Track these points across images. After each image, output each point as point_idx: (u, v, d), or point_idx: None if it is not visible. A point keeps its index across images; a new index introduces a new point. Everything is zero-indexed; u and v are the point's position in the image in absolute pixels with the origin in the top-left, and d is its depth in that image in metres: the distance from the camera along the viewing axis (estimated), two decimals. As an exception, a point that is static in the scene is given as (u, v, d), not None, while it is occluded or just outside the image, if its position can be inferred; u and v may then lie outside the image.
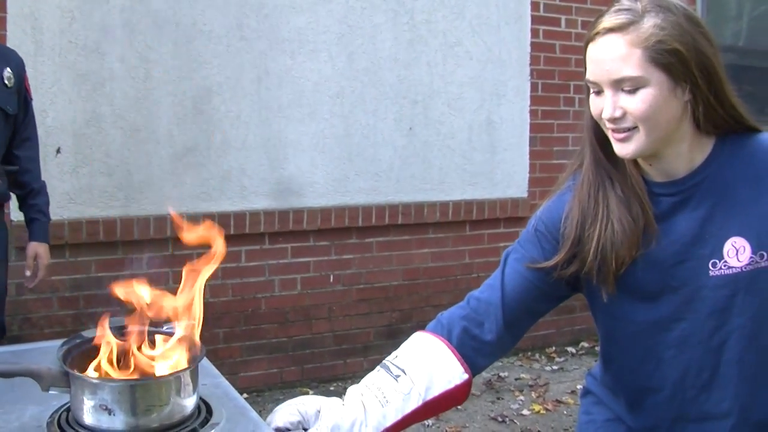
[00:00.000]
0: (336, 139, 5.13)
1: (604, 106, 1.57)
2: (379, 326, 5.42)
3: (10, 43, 4.25)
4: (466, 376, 1.74)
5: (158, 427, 1.53)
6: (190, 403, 1.60)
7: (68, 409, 1.61)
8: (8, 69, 3.38)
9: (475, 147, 5.66)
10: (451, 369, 1.73)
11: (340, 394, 5.04)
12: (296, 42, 5.04)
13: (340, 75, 5.18)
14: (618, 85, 1.55)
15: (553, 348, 6.06)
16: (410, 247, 5.53)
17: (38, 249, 3.56)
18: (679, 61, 1.53)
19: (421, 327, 1.87)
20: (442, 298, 5.45)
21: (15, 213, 4.30)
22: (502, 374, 5.49)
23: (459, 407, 4.88)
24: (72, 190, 4.47)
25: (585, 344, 6.08)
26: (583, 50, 1.64)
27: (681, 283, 1.65)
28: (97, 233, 4.51)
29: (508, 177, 5.82)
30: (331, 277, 5.29)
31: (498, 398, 5.13)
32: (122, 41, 4.55)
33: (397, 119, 5.36)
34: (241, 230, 4.89)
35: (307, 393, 5.05)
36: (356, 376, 5.33)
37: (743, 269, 1.61)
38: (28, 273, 3.55)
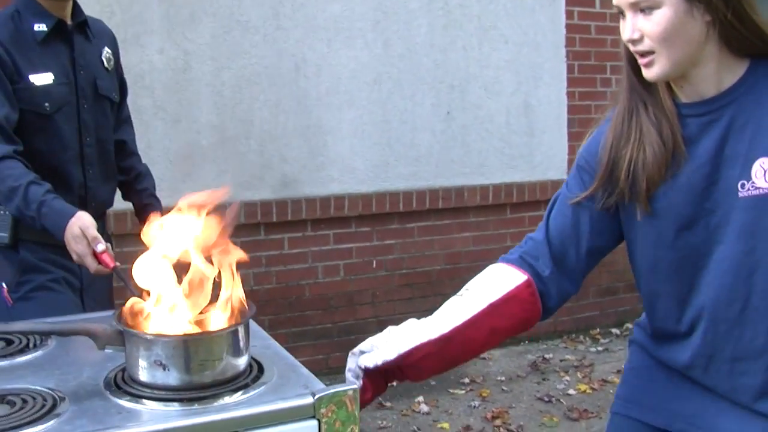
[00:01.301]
0: (374, 125, 5.15)
1: (625, 29, 1.63)
2: (422, 311, 5.40)
3: (52, 38, 4.31)
4: (525, 276, 1.80)
5: (211, 382, 1.56)
6: (242, 359, 1.63)
7: (123, 369, 1.65)
8: (107, 49, 2.90)
9: (514, 130, 5.66)
10: (511, 275, 1.81)
11: (385, 379, 5.05)
12: (332, 30, 5.07)
13: (377, 61, 5.20)
14: (636, 6, 1.59)
15: (597, 330, 6.03)
16: (451, 232, 5.54)
17: None
18: None
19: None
20: (485, 281, 5.41)
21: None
22: (546, 356, 5.48)
23: (505, 389, 4.89)
24: (116, 182, 4.52)
25: (629, 325, 6.04)
26: None
27: (714, 206, 1.67)
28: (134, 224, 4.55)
29: (547, 159, 5.80)
30: (374, 262, 5.31)
31: (543, 379, 5.12)
32: (161, 33, 4.61)
33: (435, 104, 5.36)
34: (283, 218, 4.93)
35: (352, 378, 5.07)
36: (401, 361, 5.34)
37: None
38: None
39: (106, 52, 2.88)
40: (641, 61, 1.64)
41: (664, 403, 1.90)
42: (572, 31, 5.82)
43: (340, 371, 5.19)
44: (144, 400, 1.53)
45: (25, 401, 1.53)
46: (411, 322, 1.80)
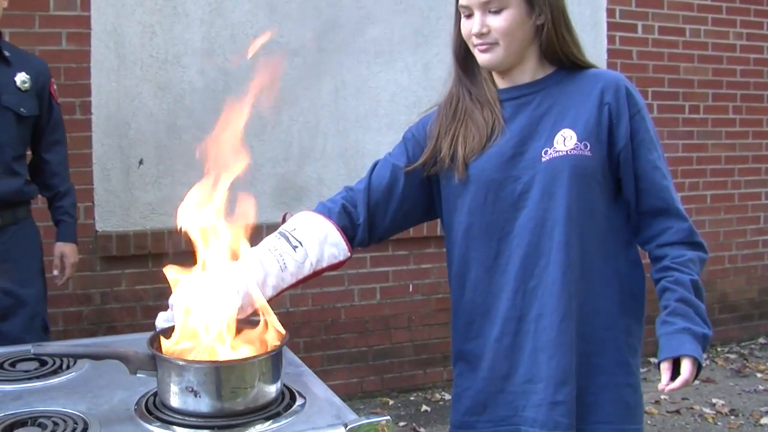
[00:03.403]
0: (413, 148, 5.10)
1: (473, 25, 1.93)
2: (458, 336, 5.38)
3: (95, 59, 4.37)
4: (348, 254, 2.06)
5: (243, 410, 1.55)
6: (274, 387, 1.61)
7: (155, 394, 1.64)
8: (23, 73, 3.43)
9: (553, 155, 5.60)
10: (338, 247, 2.04)
11: (419, 404, 5.02)
12: (372, 53, 5.07)
13: (417, 84, 5.19)
14: (486, 6, 1.92)
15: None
16: (489, 257, 5.48)
17: (64, 249, 3.61)
18: None
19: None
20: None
21: (100, 223, 4.41)
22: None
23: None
24: (154, 201, 4.55)
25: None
26: None
27: (520, 173, 1.96)
28: (179, 243, 4.55)
29: (587, 185, 5.74)
30: (411, 286, 5.28)
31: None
32: (201, 54, 4.63)
33: (474, 128, 5.33)
34: (319, 240, 4.91)
35: (387, 403, 5.05)
36: (436, 387, 5.32)
37: (569, 152, 1.92)
38: (55, 272, 3.60)
39: (23, 76, 3.42)
40: (481, 48, 1.95)
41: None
42: (614, 56, 5.78)
43: (374, 395, 5.20)
44: (175, 427, 1.52)
45: (56, 424, 1.52)
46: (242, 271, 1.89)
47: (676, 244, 1.97)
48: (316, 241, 2.00)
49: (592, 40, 5.69)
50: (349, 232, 2.07)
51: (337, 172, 4.98)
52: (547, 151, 1.93)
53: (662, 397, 5.04)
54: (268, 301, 1.81)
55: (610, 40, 5.78)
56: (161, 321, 1.86)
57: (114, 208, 4.48)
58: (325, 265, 2.02)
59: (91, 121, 4.40)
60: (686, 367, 1.82)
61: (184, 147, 4.57)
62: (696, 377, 1.85)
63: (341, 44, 4.98)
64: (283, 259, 1.95)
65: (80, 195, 4.35)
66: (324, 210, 2.08)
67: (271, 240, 1.99)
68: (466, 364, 2.10)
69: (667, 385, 1.83)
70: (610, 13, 5.78)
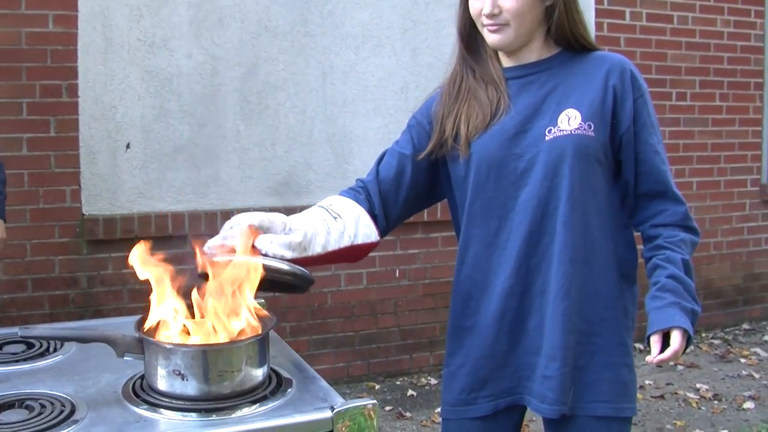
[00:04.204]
0: (401, 134, 5.09)
1: (483, 5, 1.93)
2: (444, 321, 5.34)
3: (82, 41, 4.35)
4: (378, 238, 2.06)
5: (230, 393, 1.55)
6: (261, 371, 1.62)
7: (142, 377, 1.64)
8: None
9: (541, 141, 5.61)
10: (370, 228, 2.05)
11: (405, 389, 5.03)
12: (360, 37, 5.06)
13: (405, 70, 5.18)
14: None
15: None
16: (475, 242, 5.49)
17: None
18: None
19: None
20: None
21: (87, 206, 4.40)
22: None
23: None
24: (141, 185, 4.54)
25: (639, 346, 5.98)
26: None
27: (523, 151, 1.97)
28: (165, 227, 4.57)
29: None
30: (397, 271, 5.29)
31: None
32: (189, 38, 4.61)
33: (462, 114, 5.32)
34: (306, 225, 4.90)
35: (373, 388, 5.06)
36: (422, 371, 5.33)
37: (572, 132, 1.93)
38: None
39: None
40: (491, 28, 1.95)
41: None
42: (602, 43, 5.77)
43: (360, 380, 5.21)
44: (162, 410, 1.52)
45: (43, 406, 1.52)
46: (297, 223, 1.94)
47: (670, 225, 2.02)
48: (352, 218, 2.01)
49: (580, 27, 5.68)
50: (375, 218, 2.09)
51: (325, 156, 4.98)
52: (551, 129, 1.94)
53: (647, 382, 5.07)
54: (314, 260, 1.90)
55: (598, 26, 5.78)
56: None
57: (101, 192, 4.46)
58: (360, 241, 2.01)
59: (78, 104, 4.38)
60: (676, 338, 1.85)
61: (171, 131, 4.56)
62: (685, 350, 1.88)
63: (329, 29, 4.97)
64: (327, 224, 1.96)
65: (67, 178, 4.35)
66: (351, 195, 2.09)
67: (312, 210, 2.02)
68: (461, 341, 2.11)
69: (657, 356, 1.86)
70: (599, -1, 5.79)
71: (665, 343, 1.87)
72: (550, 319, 1.96)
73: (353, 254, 2.02)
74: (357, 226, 2.00)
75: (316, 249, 1.91)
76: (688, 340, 1.88)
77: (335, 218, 1.98)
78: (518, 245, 1.98)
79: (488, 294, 2.04)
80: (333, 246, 1.95)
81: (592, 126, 1.93)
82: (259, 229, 1.82)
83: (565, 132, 1.93)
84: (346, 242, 1.98)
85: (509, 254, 1.99)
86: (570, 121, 1.93)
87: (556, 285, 1.95)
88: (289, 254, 1.82)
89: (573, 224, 1.94)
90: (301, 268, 1.78)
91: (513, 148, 1.97)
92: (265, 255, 1.77)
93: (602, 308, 2.00)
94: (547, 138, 1.94)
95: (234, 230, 1.78)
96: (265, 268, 1.69)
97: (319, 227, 1.93)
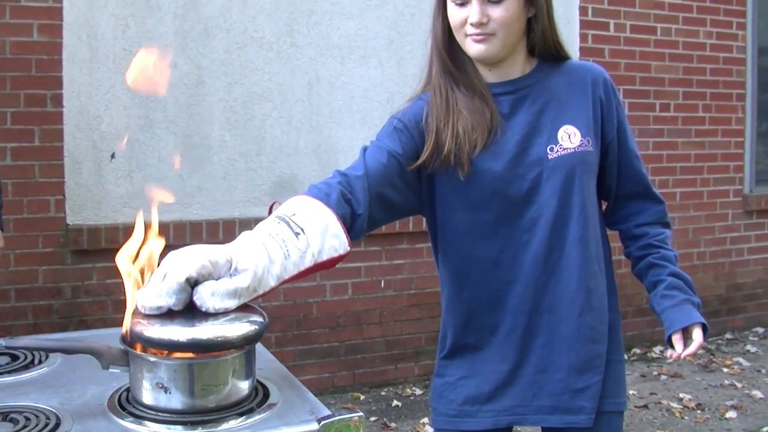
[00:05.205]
0: (386, 144, 5.11)
1: (470, 14, 1.89)
2: (429, 331, 5.40)
3: (66, 51, 4.35)
4: (348, 248, 1.82)
5: (215, 407, 1.54)
6: (247, 383, 1.61)
7: (128, 390, 1.64)
8: None
9: (525, 152, 5.63)
10: (339, 239, 1.80)
11: (390, 399, 5.02)
12: (346, 48, 5.07)
13: (390, 81, 5.20)
14: None
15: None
16: (460, 252, 5.50)
17: None
18: None
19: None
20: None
21: (71, 216, 4.39)
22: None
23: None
24: (126, 195, 4.53)
25: (637, 350, 6.01)
26: None
27: (526, 170, 1.95)
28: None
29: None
30: (382, 282, 5.29)
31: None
32: (174, 48, 4.61)
33: (447, 124, 5.34)
34: (292, 235, 4.90)
35: (358, 398, 5.06)
36: (407, 382, 5.33)
37: (576, 149, 1.95)
38: None
39: None
40: (476, 38, 1.90)
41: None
42: (586, 54, 5.81)
43: (345, 390, 5.21)
44: (147, 422, 1.51)
45: (28, 419, 1.51)
46: (246, 254, 1.67)
47: (653, 223, 2.11)
48: (318, 230, 1.76)
49: (565, 38, 5.61)
50: (347, 222, 1.84)
51: (311, 167, 4.98)
52: (552, 147, 1.95)
53: (631, 392, 5.08)
54: (267, 293, 1.72)
55: (583, 38, 5.82)
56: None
57: (85, 202, 4.45)
58: (325, 258, 1.77)
59: (63, 113, 4.38)
60: (698, 333, 1.99)
61: (156, 141, 4.56)
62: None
63: (315, 39, 4.98)
64: (286, 246, 1.70)
65: (51, 188, 4.34)
66: (321, 196, 1.83)
67: (270, 224, 1.74)
68: (464, 355, 2.09)
69: (685, 351, 1.98)
70: (583, 11, 5.82)
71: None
72: (572, 335, 1.98)
73: (316, 272, 1.81)
74: (323, 239, 1.76)
75: (270, 283, 1.70)
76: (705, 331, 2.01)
77: (297, 234, 1.73)
78: (526, 263, 1.97)
79: (495, 311, 2.03)
80: (292, 271, 1.72)
81: (590, 141, 1.97)
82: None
83: (569, 150, 1.95)
84: (308, 262, 1.74)
85: (516, 272, 1.99)
86: (571, 138, 1.95)
87: (569, 301, 1.97)
88: (234, 304, 1.62)
89: (584, 240, 1.97)
90: None
91: (516, 168, 1.95)
92: (206, 312, 1.57)
93: (606, 312, 2.06)
94: (550, 157, 1.94)
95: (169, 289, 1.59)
96: None
97: (274, 254, 1.68)
